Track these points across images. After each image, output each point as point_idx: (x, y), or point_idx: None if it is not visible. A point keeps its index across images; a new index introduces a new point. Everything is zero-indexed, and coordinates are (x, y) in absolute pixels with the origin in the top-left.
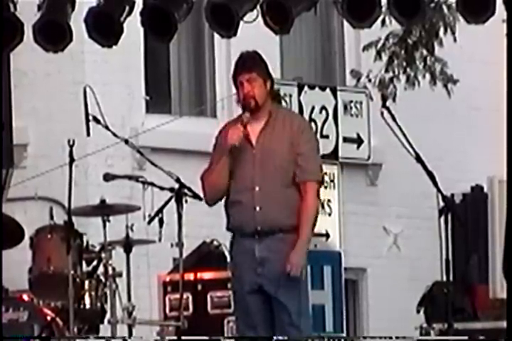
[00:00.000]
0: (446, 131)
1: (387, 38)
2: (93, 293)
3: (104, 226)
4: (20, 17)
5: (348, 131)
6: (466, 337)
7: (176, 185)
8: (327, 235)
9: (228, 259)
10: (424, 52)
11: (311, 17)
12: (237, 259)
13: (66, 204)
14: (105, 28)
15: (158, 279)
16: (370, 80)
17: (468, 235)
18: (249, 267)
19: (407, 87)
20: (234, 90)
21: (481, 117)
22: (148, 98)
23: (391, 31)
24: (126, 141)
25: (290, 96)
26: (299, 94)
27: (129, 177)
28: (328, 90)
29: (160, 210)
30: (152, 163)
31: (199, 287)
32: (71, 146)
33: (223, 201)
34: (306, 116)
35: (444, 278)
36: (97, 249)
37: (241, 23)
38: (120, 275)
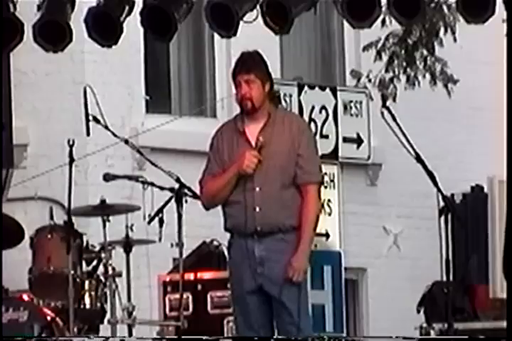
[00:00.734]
0: (446, 131)
1: (387, 38)
2: (93, 293)
3: (104, 226)
4: (20, 17)
5: (348, 131)
6: (466, 337)
7: (176, 185)
8: (327, 235)
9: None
10: (424, 52)
11: (311, 17)
12: (236, 259)
13: (66, 204)
14: (105, 28)
15: (158, 279)
16: (370, 80)
17: (468, 235)
18: (249, 267)
19: (407, 87)
20: (234, 90)
21: (481, 117)
22: (148, 98)
23: (391, 31)
24: (126, 141)
25: (290, 96)
26: (299, 94)
27: (129, 177)
28: (328, 90)
29: (160, 210)
30: (152, 163)
31: (199, 287)
32: (71, 146)
33: None
34: (306, 116)
35: (444, 278)
36: (97, 249)
37: (241, 23)
38: (120, 275)
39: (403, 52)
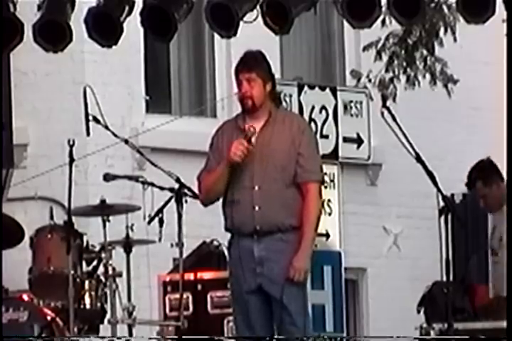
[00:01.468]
0: (446, 131)
1: (387, 38)
2: (93, 293)
3: (104, 226)
4: (20, 17)
5: (348, 131)
6: (466, 337)
7: (176, 185)
8: (327, 235)
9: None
10: (424, 52)
11: (311, 17)
12: (235, 259)
13: (66, 204)
14: (105, 28)
15: (158, 279)
16: (370, 80)
17: (468, 235)
18: (249, 267)
19: (407, 87)
20: (234, 90)
21: (481, 117)
22: (148, 98)
23: (391, 31)
24: (126, 141)
25: (290, 96)
26: (299, 94)
27: (129, 177)
28: (328, 90)
29: (160, 210)
30: (152, 163)
31: (199, 287)
32: (71, 146)
33: (221, 200)
34: (306, 116)
35: (444, 278)
36: (97, 249)
37: (241, 23)
38: (120, 275)
39: (403, 52)
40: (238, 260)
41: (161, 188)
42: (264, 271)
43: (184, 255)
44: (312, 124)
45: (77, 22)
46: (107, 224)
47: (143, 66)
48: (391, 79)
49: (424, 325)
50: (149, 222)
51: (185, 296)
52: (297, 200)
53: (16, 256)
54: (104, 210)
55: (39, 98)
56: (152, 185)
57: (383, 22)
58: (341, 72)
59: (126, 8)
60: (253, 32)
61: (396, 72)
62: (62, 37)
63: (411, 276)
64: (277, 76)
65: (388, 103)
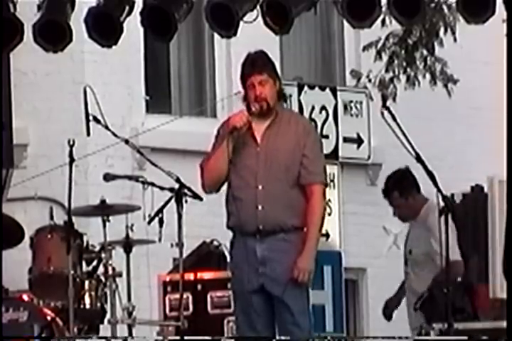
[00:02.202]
0: (447, 131)
1: (387, 38)
2: (93, 293)
3: (104, 226)
4: (20, 17)
5: (348, 131)
6: (466, 337)
7: (176, 185)
8: (327, 235)
9: (228, 259)
10: (424, 52)
11: (311, 17)
12: (237, 258)
13: (66, 204)
14: (105, 28)
15: (158, 279)
16: (370, 80)
17: (468, 235)
18: (251, 266)
19: (407, 87)
20: (234, 90)
21: (481, 117)
22: (148, 98)
23: (391, 31)
24: (127, 141)
25: (290, 96)
26: (299, 94)
27: (129, 177)
28: (328, 90)
29: (160, 210)
30: (152, 163)
31: (199, 287)
32: (71, 146)
33: (224, 198)
34: (306, 116)
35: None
36: (97, 249)
37: (241, 23)
38: (120, 275)
39: (403, 52)
40: (240, 259)
41: (161, 188)
42: (267, 271)
43: (184, 255)
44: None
45: (77, 22)
46: (107, 224)
47: (143, 66)
48: (391, 79)
49: (424, 325)
50: (149, 222)
51: (185, 296)
52: (300, 201)
53: (16, 256)
54: (104, 210)
55: (39, 98)
56: (152, 185)
57: (383, 22)
58: (341, 72)
59: (126, 8)
60: (253, 32)
61: (396, 72)
62: (62, 37)
63: None
64: None
65: (388, 103)
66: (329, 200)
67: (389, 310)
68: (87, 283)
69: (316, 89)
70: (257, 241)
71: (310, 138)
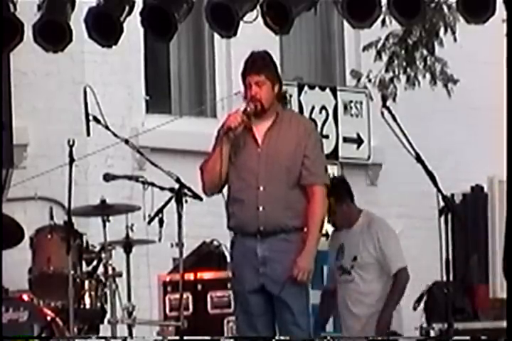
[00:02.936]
0: (446, 131)
1: (387, 38)
2: (93, 293)
3: (104, 226)
4: (20, 17)
5: (348, 131)
6: (466, 337)
7: (176, 185)
8: (327, 235)
9: (228, 259)
10: (424, 52)
11: (311, 17)
12: (238, 259)
13: (66, 204)
14: (105, 28)
15: (158, 279)
16: (370, 80)
17: (468, 235)
18: (251, 267)
19: (407, 87)
20: (234, 90)
21: (481, 117)
22: (148, 98)
23: (391, 31)
24: (127, 141)
25: (290, 96)
26: (299, 94)
27: (129, 177)
28: (328, 90)
29: (160, 210)
30: (152, 163)
31: (199, 287)
32: (71, 146)
33: (225, 199)
34: (306, 116)
35: (444, 278)
36: (97, 249)
37: (241, 23)
38: (120, 275)
39: (403, 52)
40: (241, 260)
41: (161, 188)
42: (267, 271)
43: (184, 255)
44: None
45: (77, 22)
46: (107, 224)
47: (143, 66)
48: (391, 79)
49: (424, 325)
50: (149, 222)
51: (185, 296)
52: (301, 202)
53: (16, 256)
54: (104, 210)
55: (39, 98)
56: (152, 185)
57: (383, 22)
58: (341, 72)
59: (126, 8)
60: (253, 32)
61: (396, 72)
62: (62, 37)
63: (411, 276)
64: None
65: (388, 103)
66: None
67: (322, 320)
68: (87, 283)
69: (316, 89)
70: (257, 241)
71: (311, 139)
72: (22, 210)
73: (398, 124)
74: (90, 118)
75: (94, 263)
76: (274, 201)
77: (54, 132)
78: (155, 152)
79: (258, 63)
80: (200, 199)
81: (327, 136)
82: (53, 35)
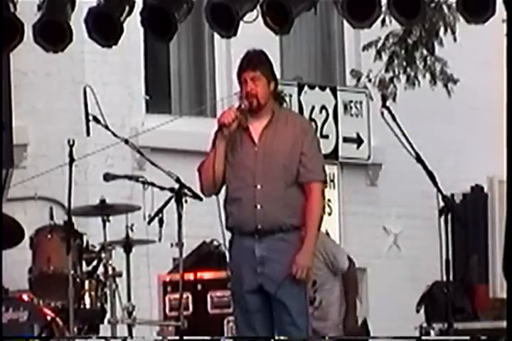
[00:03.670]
0: (446, 131)
1: (387, 38)
2: (93, 293)
3: (104, 226)
4: (20, 17)
5: (348, 131)
6: (466, 337)
7: (176, 185)
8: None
9: (228, 258)
10: (424, 52)
11: (311, 17)
12: (236, 258)
13: (66, 204)
14: (105, 28)
15: (158, 279)
16: (370, 80)
17: (468, 235)
18: (249, 266)
19: (407, 87)
20: (234, 90)
21: (481, 117)
22: (148, 98)
23: (391, 31)
24: (126, 141)
25: (290, 96)
26: (299, 94)
27: (129, 177)
28: (328, 90)
29: (160, 210)
30: (152, 163)
31: (199, 287)
32: (71, 146)
33: (223, 199)
34: (306, 116)
35: (444, 278)
36: (97, 249)
37: (241, 23)
38: (120, 275)
39: (403, 52)
40: (239, 259)
41: (161, 188)
42: (265, 271)
43: (184, 255)
44: (312, 124)
45: (77, 22)
46: (107, 224)
47: (143, 66)
48: (391, 79)
49: (424, 325)
50: (149, 222)
51: (185, 296)
52: (299, 200)
53: (16, 256)
54: (104, 210)
55: (39, 98)
56: (152, 185)
57: (383, 22)
58: (341, 72)
59: (126, 8)
60: (253, 32)
61: (396, 72)
62: (62, 37)
63: (411, 276)
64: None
65: (388, 103)
66: (329, 200)
67: None
68: (87, 283)
69: (316, 89)
70: (255, 241)
71: (308, 136)
72: (22, 210)
73: (398, 124)
74: (90, 118)
75: (94, 263)
76: (272, 199)
77: (54, 132)
78: (155, 152)
79: (254, 60)
80: (200, 199)
81: (327, 136)
82: (53, 35)
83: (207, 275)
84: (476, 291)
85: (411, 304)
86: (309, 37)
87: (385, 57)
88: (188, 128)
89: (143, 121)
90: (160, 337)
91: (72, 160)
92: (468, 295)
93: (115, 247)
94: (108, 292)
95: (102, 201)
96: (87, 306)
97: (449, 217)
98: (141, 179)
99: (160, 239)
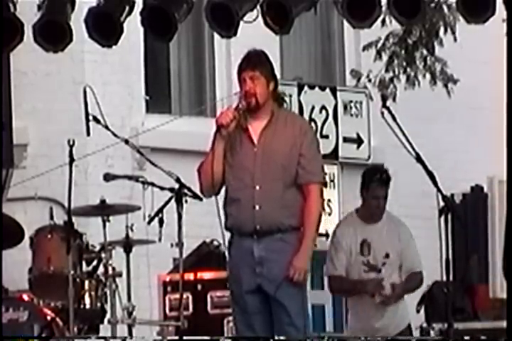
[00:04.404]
0: (447, 131)
1: (387, 38)
2: (93, 293)
3: (104, 226)
4: (20, 17)
5: (348, 131)
6: (466, 337)
7: (176, 185)
8: (327, 235)
9: (227, 259)
10: (424, 52)
11: (311, 17)
12: (235, 259)
13: (66, 204)
14: (105, 28)
15: (158, 279)
16: (370, 80)
17: (468, 235)
18: (248, 267)
19: (407, 87)
20: (234, 90)
21: (481, 117)
22: (148, 98)
23: (391, 31)
24: (126, 141)
25: (290, 96)
26: (299, 94)
27: (129, 177)
28: (328, 90)
29: (160, 210)
30: (152, 163)
31: (199, 287)
32: (71, 146)
33: (222, 199)
34: (306, 116)
35: (444, 278)
36: (97, 249)
37: (241, 23)
38: (120, 275)
39: (403, 52)
40: (238, 260)
41: (161, 188)
42: (264, 271)
43: (184, 255)
44: (312, 124)
45: (77, 22)
46: (107, 224)
47: (143, 66)
48: (391, 79)
49: (424, 325)
50: (149, 222)
51: (185, 296)
52: (298, 201)
53: (16, 256)
54: (104, 210)
55: (39, 98)
56: (152, 185)
57: (383, 22)
58: (341, 72)
59: (126, 8)
60: (253, 32)
61: (396, 72)
62: (62, 37)
63: None
64: (277, 76)
65: (388, 103)
66: (329, 200)
67: None
68: (87, 283)
69: (316, 89)
70: (254, 241)
71: (307, 137)
72: (22, 210)
73: (398, 124)
74: (90, 118)
75: (94, 263)
76: (271, 200)
77: (54, 132)
78: (155, 152)
79: (253, 59)
80: (200, 199)
81: (327, 136)
82: (53, 35)
83: (207, 275)
84: (476, 291)
85: (411, 304)
86: (309, 37)
87: (385, 57)
88: (188, 128)
89: (143, 121)
90: (160, 337)
91: (72, 160)
92: (468, 295)
93: (115, 247)
94: (108, 292)
95: (102, 201)
96: (87, 306)
97: (449, 217)
98: (141, 179)
99: (160, 239)
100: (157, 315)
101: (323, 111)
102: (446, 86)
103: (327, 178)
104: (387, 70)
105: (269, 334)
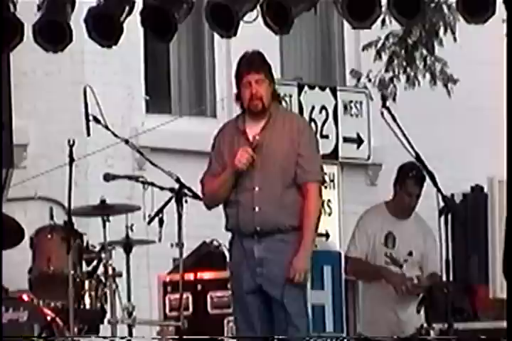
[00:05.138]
0: (446, 131)
1: (387, 38)
2: (93, 293)
3: (104, 226)
4: (20, 17)
5: (348, 131)
6: (466, 337)
7: (176, 185)
8: (327, 235)
9: (228, 259)
10: (424, 52)
11: (311, 17)
12: (236, 259)
13: (66, 204)
14: (105, 28)
15: (158, 279)
16: (370, 80)
17: (468, 235)
18: (249, 267)
19: (407, 87)
20: (234, 90)
21: (481, 117)
22: (148, 98)
23: (391, 31)
24: (127, 141)
25: (290, 96)
26: (299, 94)
27: (129, 177)
28: (328, 90)
29: (160, 210)
30: (152, 163)
31: (199, 287)
32: (71, 146)
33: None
34: (306, 116)
35: (444, 278)
36: (97, 249)
37: (241, 23)
38: (120, 275)
39: (403, 52)
40: (239, 260)
41: (161, 188)
42: (265, 272)
43: (184, 255)
44: (312, 124)
45: (77, 22)
46: (107, 224)
47: (143, 66)
48: (391, 79)
49: (424, 325)
50: (149, 222)
51: (185, 296)
52: (297, 201)
53: (16, 256)
54: (104, 210)
55: (39, 98)
56: (152, 185)
57: (383, 22)
58: (341, 72)
59: (126, 8)
60: (253, 32)
61: (396, 72)
62: (62, 37)
63: None
64: (277, 76)
65: (388, 103)
66: (329, 200)
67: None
68: (87, 283)
69: (316, 89)
70: (254, 241)
71: (304, 137)
72: (22, 210)
73: (398, 124)
74: (90, 118)
75: (94, 263)
76: (270, 201)
77: (54, 132)
78: (155, 152)
79: (256, 62)
80: (200, 199)
81: (327, 136)
82: (53, 35)
83: (207, 275)
84: (476, 291)
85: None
86: (309, 37)
87: (384, 57)
88: (188, 128)
89: (143, 121)
90: (159, 337)
91: (72, 160)
92: (468, 295)
93: (115, 247)
94: (108, 292)
95: (102, 201)
96: (87, 306)
97: (449, 217)
98: (141, 179)
99: (160, 239)
100: (157, 315)
101: (323, 111)
102: (446, 86)
103: (327, 178)
104: (387, 70)
105: (269, 334)
